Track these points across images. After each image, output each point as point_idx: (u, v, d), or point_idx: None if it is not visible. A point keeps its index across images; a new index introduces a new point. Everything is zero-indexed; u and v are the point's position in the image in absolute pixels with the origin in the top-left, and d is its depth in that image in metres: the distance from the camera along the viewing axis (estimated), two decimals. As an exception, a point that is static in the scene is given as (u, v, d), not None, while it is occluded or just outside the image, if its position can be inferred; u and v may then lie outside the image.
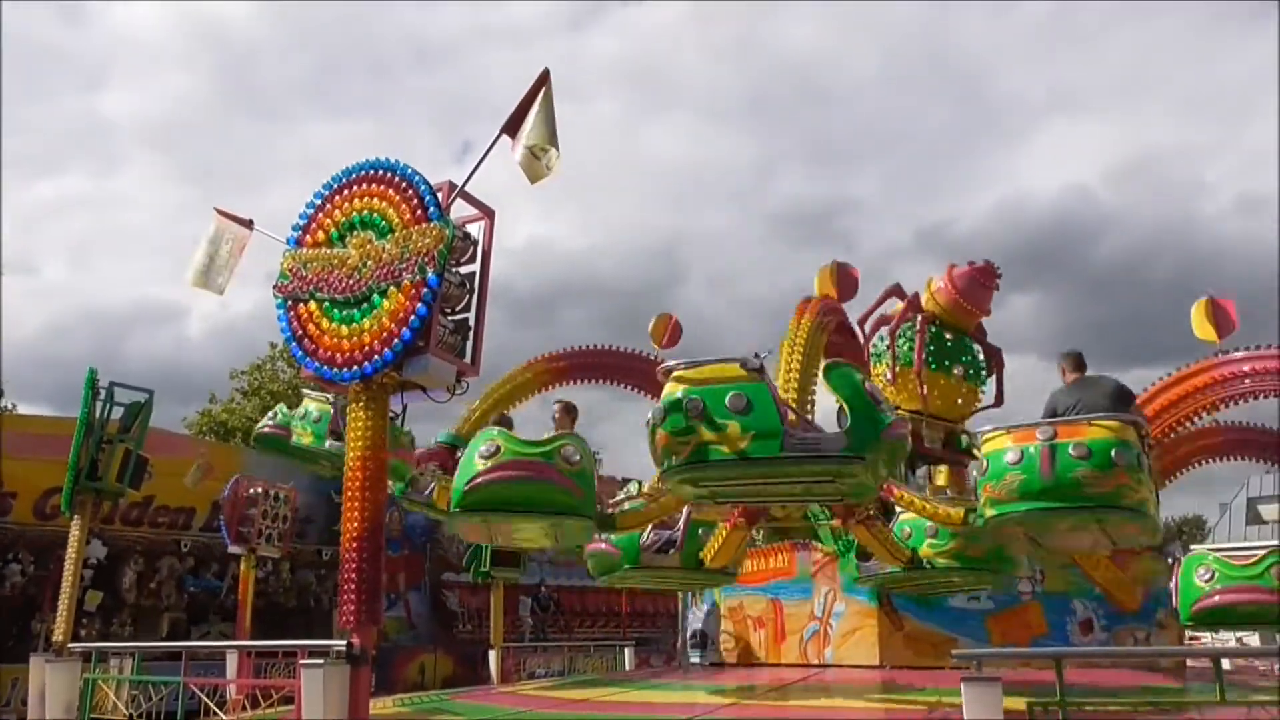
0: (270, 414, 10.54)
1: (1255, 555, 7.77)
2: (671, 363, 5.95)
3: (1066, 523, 6.30)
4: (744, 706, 8.03)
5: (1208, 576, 7.74)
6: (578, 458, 6.81)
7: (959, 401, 11.26)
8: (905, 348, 11.34)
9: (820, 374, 5.93)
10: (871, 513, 7.54)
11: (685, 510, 8.24)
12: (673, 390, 5.74)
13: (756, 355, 5.66)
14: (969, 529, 7.16)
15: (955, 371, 11.20)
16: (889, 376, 11.31)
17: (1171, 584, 8.35)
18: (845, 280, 10.44)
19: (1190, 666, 10.41)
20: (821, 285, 10.41)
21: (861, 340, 10.88)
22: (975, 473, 7.52)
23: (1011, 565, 8.26)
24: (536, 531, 7.34)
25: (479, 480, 6.64)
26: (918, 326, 11.23)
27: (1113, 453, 5.89)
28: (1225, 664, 5.59)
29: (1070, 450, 5.91)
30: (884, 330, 11.48)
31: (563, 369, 12.27)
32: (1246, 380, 9.31)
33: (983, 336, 11.56)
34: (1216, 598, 7.57)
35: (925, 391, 10.94)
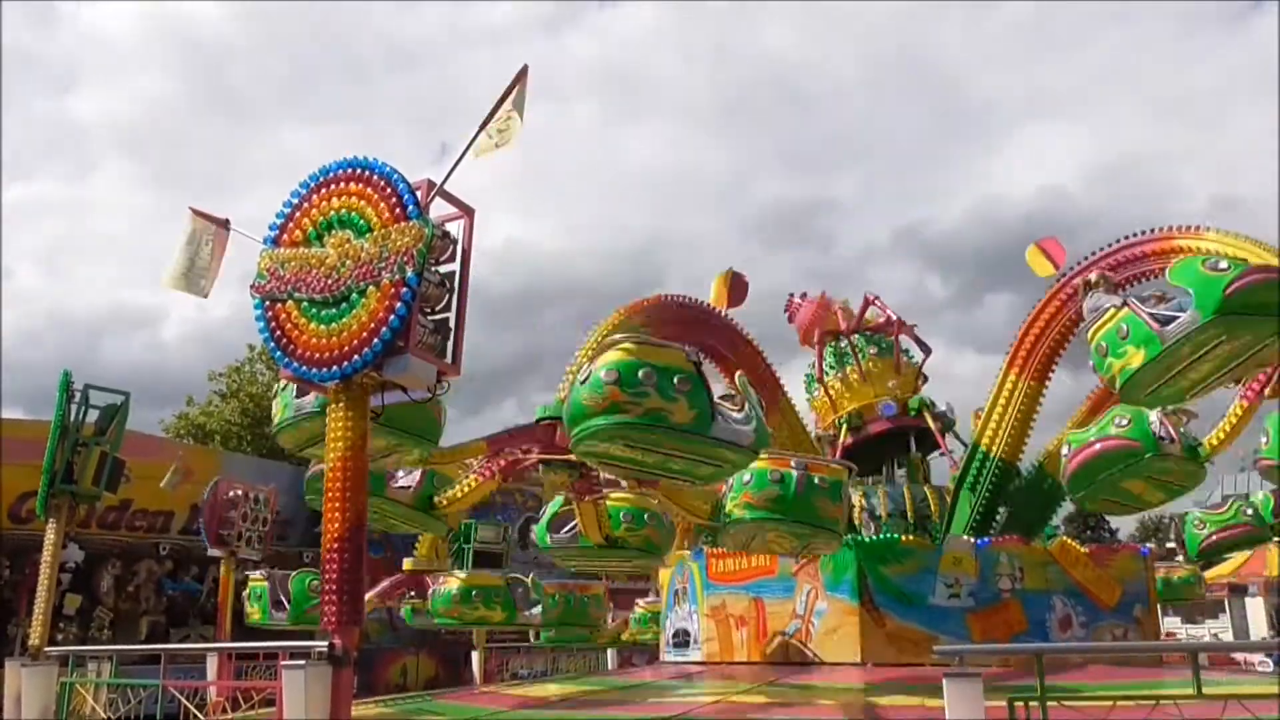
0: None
1: (1225, 505, 11.40)
2: (1084, 327, 7.43)
3: None
4: (726, 705, 8.04)
5: (1200, 525, 11.14)
6: (1126, 421, 8.99)
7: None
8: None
9: (1167, 274, 7.00)
10: None
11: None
12: (1092, 347, 7.13)
13: (1120, 292, 7.58)
14: None
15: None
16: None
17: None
18: (1056, 252, 11.75)
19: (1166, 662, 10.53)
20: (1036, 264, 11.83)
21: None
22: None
23: None
24: (1144, 487, 9.45)
25: (1072, 465, 9.46)
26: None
27: None
28: (1201, 659, 5.65)
29: None
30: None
31: (658, 323, 11.14)
32: None
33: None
34: (1214, 537, 10.95)
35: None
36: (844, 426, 14.19)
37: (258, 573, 13.36)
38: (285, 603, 12.54)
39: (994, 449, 12.05)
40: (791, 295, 14.91)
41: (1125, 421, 8.96)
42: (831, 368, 14.54)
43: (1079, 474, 9.35)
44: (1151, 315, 6.66)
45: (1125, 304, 6.89)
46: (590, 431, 6.51)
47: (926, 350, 14.66)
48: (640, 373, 6.35)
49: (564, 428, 7.15)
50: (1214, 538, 12.54)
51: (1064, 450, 9.68)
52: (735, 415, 6.79)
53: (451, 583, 12.16)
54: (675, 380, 6.38)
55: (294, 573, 13.12)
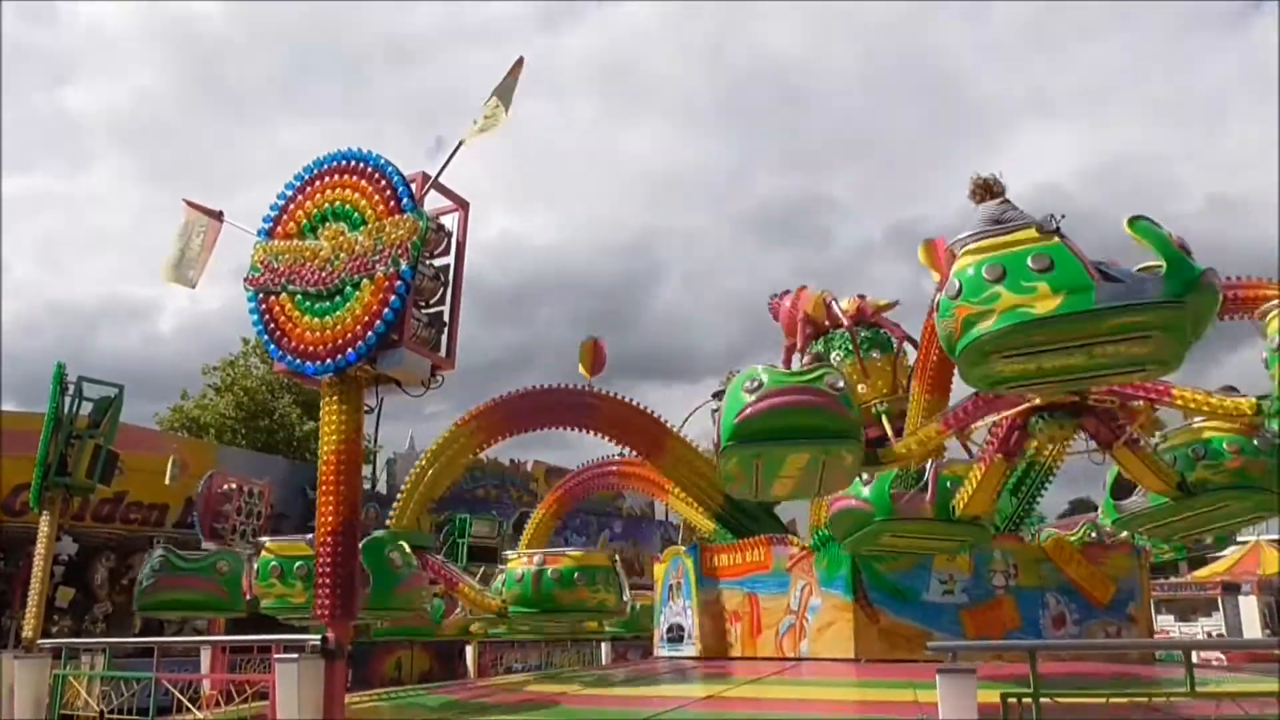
0: None
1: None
2: (961, 236, 5.75)
3: None
4: (719, 700, 8.05)
5: (753, 386, 7.01)
6: (841, 384, 6.92)
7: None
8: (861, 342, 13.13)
9: (1125, 225, 5.58)
10: (1136, 435, 7.32)
11: (931, 464, 8.17)
12: (964, 265, 5.52)
13: (1052, 216, 5.49)
14: (1258, 436, 7.02)
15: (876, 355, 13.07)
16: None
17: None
18: (945, 256, 11.10)
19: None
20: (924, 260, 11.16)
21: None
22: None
23: None
24: (803, 469, 7.20)
25: (749, 410, 6.65)
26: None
27: None
28: (1194, 657, 5.65)
29: None
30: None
31: (495, 424, 12.33)
32: None
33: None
34: (763, 403, 6.87)
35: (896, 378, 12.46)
36: (883, 416, 13.91)
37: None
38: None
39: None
40: (773, 296, 14.52)
41: (840, 384, 6.92)
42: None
43: (750, 423, 6.73)
44: (1095, 264, 5.32)
45: (1058, 234, 5.42)
46: (558, 610, 10.47)
47: (900, 336, 14.28)
48: (598, 575, 10.26)
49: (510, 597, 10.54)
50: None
51: (746, 387, 6.84)
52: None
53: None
54: (610, 578, 10.45)
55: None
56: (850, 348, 13.46)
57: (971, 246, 5.55)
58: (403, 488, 11.76)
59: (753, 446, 6.83)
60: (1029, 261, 5.30)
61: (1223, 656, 13.92)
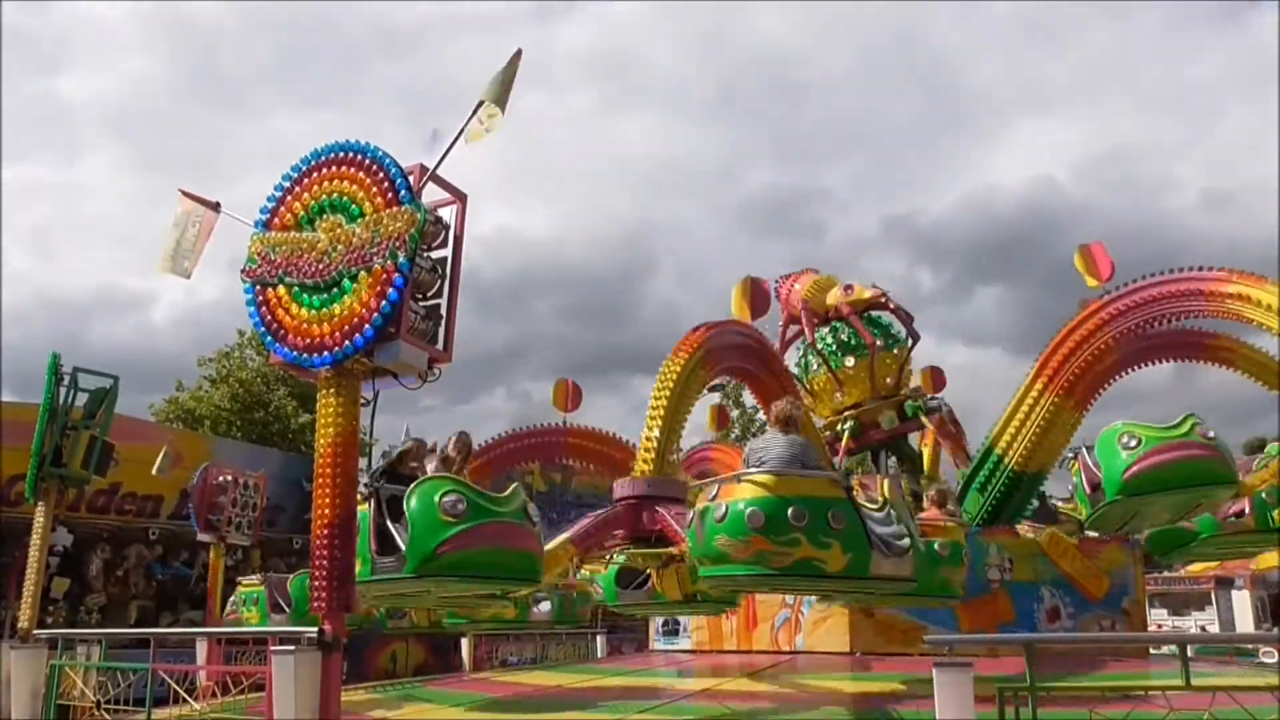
0: None
1: (1176, 421, 8.16)
2: (763, 466, 6.02)
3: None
4: (715, 694, 8.06)
5: (1133, 444, 7.79)
6: (538, 517, 6.95)
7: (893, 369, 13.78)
8: (836, 347, 13.74)
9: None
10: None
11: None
12: (760, 496, 5.77)
13: (849, 473, 6.05)
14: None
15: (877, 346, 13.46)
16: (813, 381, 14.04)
17: (1081, 469, 8.67)
18: (758, 295, 12.06)
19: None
20: (736, 304, 11.93)
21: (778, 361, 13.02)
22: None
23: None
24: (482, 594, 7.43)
25: (458, 544, 6.35)
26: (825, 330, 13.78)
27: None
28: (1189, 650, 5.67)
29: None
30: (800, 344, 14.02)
31: (481, 465, 13.28)
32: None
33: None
34: (1151, 459, 7.66)
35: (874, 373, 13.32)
36: (846, 434, 13.98)
37: (253, 577, 13.29)
38: (285, 606, 12.32)
39: (1009, 456, 12.11)
40: (780, 279, 14.51)
41: (537, 518, 7.12)
42: (807, 371, 14.28)
43: (449, 557, 6.53)
44: (873, 529, 6.07)
45: (849, 493, 5.95)
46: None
47: (905, 321, 14.37)
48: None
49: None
50: (1147, 461, 8.30)
51: (448, 509, 6.63)
52: None
53: None
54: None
55: (293, 575, 12.96)
56: (829, 351, 13.64)
57: (769, 480, 5.83)
58: None
59: (439, 580, 6.62)
60: (829, 517, 5.67)
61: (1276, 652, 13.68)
